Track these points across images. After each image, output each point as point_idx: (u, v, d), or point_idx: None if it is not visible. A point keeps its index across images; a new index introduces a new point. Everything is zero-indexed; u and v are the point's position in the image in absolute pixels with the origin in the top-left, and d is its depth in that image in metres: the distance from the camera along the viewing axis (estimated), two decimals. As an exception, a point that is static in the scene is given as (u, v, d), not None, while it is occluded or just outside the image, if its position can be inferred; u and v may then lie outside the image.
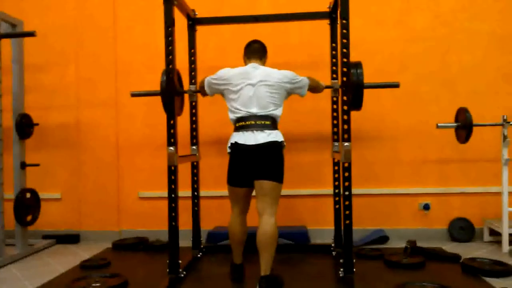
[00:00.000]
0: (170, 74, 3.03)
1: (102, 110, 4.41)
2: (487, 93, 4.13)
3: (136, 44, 4.41)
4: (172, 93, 3.04)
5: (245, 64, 3.13)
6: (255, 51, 3.12)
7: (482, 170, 4.12)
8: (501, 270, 3.07)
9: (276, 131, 2.94)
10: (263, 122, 2.89)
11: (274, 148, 2.88)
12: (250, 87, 2.93)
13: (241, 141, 2.89)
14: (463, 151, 4.07)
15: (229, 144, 3.00)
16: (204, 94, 3.26)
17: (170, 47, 3.02)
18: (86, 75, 4.43)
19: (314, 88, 3.26)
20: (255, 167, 2.86)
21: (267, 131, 2.88)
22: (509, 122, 3.63)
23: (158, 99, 3.12)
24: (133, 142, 4.40)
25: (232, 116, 2.99)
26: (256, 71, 2.99)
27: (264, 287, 2.73)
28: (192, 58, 3.76)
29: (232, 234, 3.08)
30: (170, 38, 3.03)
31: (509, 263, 3.17)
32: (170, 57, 3.02)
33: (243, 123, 2.92)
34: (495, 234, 3.93)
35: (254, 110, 2.91)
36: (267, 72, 2.98)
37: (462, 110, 3.71)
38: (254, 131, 2.88)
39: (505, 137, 3.63)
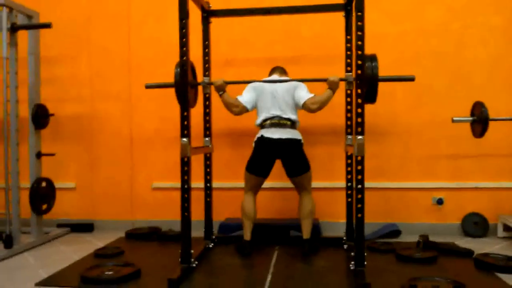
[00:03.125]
0: (184, 66, 3.04)
1: (116, 103, 4.45)
2: (502, 87, 4.07)
3: (150, 37, 4.42)
4: (186, 84, 3.05)
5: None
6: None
7: (497, 165, 4.07)
8: (515, 266, 3.04)
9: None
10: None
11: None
12: None
13: None
14: (477, 146, 4.02)
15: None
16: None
17: (184, 39, 3.03)
18: (99, 68, 4.47)
19: (323, 102, 3.30)
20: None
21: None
22: (526, 117, 3.58)
23: (171, 93, 3.13)
24: (146, 135, 4.44)
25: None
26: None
27: (307, 247, 3.45)
28: (206, 50, 3.76)
29: (246, 211, 3.51)
30: (184, 30, 3.03)
31: (523, 260, 3.14)
32: (184, 49, 3.03)
33: None
34: (510, 230, 3.89)
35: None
36: None
37: (478, 104, 3.66)
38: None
39: (521, 132, 3.57)
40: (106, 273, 2.95)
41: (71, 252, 3.67)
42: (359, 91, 2.94)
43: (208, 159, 3.80)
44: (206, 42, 3.76)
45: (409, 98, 4.15)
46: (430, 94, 4.14)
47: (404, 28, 4.17)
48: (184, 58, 3.04)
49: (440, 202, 4.13)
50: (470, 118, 3.74)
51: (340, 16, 3.74)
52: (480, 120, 3.62)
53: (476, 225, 4.05)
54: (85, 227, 4.43)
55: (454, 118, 3.74)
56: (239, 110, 3.45)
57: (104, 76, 4.46)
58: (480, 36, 4.11)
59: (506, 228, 3.95)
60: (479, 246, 3.65)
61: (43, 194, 4.01)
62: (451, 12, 4.13)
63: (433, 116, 4.12)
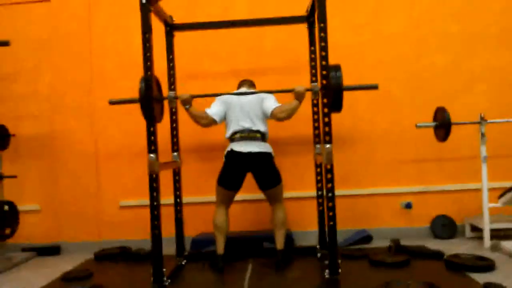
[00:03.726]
0: (149, 81, 3.00)
1: (78, 118, 4.35)
2: (461, 92, 4.21)
3: (112, 51, 4.36)
4: (151, 99, 3.00)
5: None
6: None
7: (461, 167, 4.19)
8: (484, 265, 3.11)
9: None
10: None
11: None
12: None
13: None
14: (441, 150, 4.13)
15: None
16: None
17: (148, 54, 2.99)
18: (60, 84, 4.37)
19: (291, 110, 3.30)
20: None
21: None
22: (486, 120, 3.70)
23: (136, 107, 3.08)
24: (111, 150, 4.35)
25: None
26: None
27: (281, 258, 3.42)
28: (171, 64, 3.73)
29: (218, 225, 3.47)
30: (147, 45, 3.00)
31: (491, 258, 3.22)
32: (148, 63, 2.99)
33: None
34: (477, 230, 4.00)
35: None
36: None
37: (440, 110, 3.77)
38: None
39: (483, 135, 3.69)
40: (75, 297, 2.85)
41: (37, 276, 3.52)
42: (325, 100, 2.97)
43: (177, 174, 3.74)
44: (171, 56, 3.73)
45: (373, 106, 4.23)
46: (392, 101, 4.24)
47: (365, 38, 4.27)
48: (149, 72, 2.99)
49: (408, 206, 4.21)
50: (433, 123, 3.84)
51: (304, 27, 3.78)
52: (443, 125, 3.73)
53: (444, 227, 4.13)
54: (51, 250, 4.28)
55: (418, 124, 3.83)
56: (207, 122, 3.42)
57: (65, 92, 4.36)
58: (439, 44, 4.25)
59: (473, 228, 4.06)
60: (449, 247, 3.72)
61: (5, 218, 3.86)
62: (411, 21, 4.27)
63: (396, 122, 4.22)
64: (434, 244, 3.84)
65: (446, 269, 3.18)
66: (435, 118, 3.85)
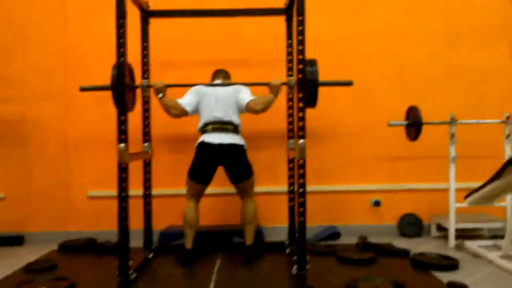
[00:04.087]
0: (121, 68, 2.91)
1: (51, 104, 4.21)
2: (437, 91, 4.27)
3: (89, 36, 4.22)
4: (123, 87, 2.92)
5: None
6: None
7: (431, 167, 4.25)
8: (448, 264, 3.18)
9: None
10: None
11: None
12: None
13: None
14: (412, 149, 4.17)
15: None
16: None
17: (121, 40, 2.90)
18: (34, 66, 4.21)
19: (266, 103, 3.28)
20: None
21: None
22: (456, 121, 3.76)
23: (108, 93, 2.99)
24: (83, 138, 4.23)
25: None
26: None
27: (250, 253, 3.42)
28: (145, 52, 3.64)
29: (188, 219, 3.41)
30: (121, 31, 2.91)
31: (455, 258, 3.28)
32: (122, 50, 2.91)
33: None
34: (443, 230, 4.07)
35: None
36: None
37: (412, 109, 3.81)
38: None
39: (452, 135, 3.75)
40: (37, 289, 2.75)
41: (-2, 267, 3.41)
42: (300, 95, 2.96)
43: (147, 165, 3.67)
44: (145, 44, 3.64)
45: (348, 101, 4.24)
46: (368, 97, 4.26)
47: (344, 32, 4.27)
48: (121, 59, 2.91)
49: (377, 204, 4.25)
50: (405, 122, 3.89)
51: (282, 20, 3.75)
52: (414, 124, 3.78)
53: (411, 225, 4.20)
54: (14, 240, 4.14)
55: (390, 122, 3.86)
56: (178, 112, 3.36)
57: (38, 75, 4.21)
58: (417, 41, 4.29)
59: (439, 227, 4.13)
60: (415, 246, 3.78)
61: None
62: (390, 16, 4.29)
63: (372, 119, 4.24)
64: (400, 242, 3.89)
65: (412, 267, 3.23)
66: (407, 117, 3.90)
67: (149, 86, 3.37)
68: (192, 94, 3.42)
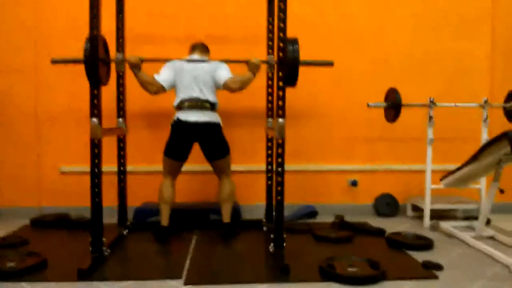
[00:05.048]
0: (95, 41, 2.80)
1: (20, 77, 4.05)
2: (416, 73, 4.27)
3: (60, 8, 4.05)
4: (96, 61, 2.81)
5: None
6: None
7: (408, 148, 4.28)
8: (423, 244, 3.22)
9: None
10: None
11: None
12: None
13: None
14: (391, 130, 4.18)
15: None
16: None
17: (94, 10, 2.79)
18: (2, 38, 4.04)
19: (244, 82, 3.21)
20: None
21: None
22: (435, 104, 3.77)
23: (81, 68, 2.88)
24: (54, 113, 4.09)
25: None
26: None
27: (227, 231, 3.43)
28: (120, 24, 3.51)
29: (163, 196, 3.38)
30: (95, 1, 2.78)
31: (430, 237, 3.33)
32: (95, 21, 2.79)
33: None
34: (418, 210, 4.13)
35: None
36: None
37: (392, 91, 3.80)
38: None
39: (430, 118, 3.77)
40: (8, 264, 2.69)
41: (-34, 243, 3.31)
42: (280, 74, 2.90)
43: (121, 141, 3.59)
44: (120, 15, 3.51)
45: (329, 82, 4.20)
46: (349, 78, 4.23)
47: (325, 12, 4.21)
48: (95, 31, 2.80)
49: (354, 183, 4.28)
50: (384, 104, 3.88)
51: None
52: (393, 106, 3.77)
53: (387, 205, 4.24)
54: (-17, 215, 4.03)
55: (369, 103, 3.86)
56: (156, 89, 3.27)
57: (5, 47, 4.04)
58: (399, 25, 4.27)
59: (415, 208, 4.19)
60: (390, 225, 3.82)
61: None
62: (372, -1, 4.24)
63: (352, 99, 4.22)
64: (376, 222, 3.93)
65: (387, 246, 3.27)
66: (386, 99, 3.89)
67: (123, 60, 3.25)
68: (169, 69, 3.33)
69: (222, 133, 3.40)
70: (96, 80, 2.83)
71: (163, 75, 3.30)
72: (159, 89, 3.28)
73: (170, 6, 4.09)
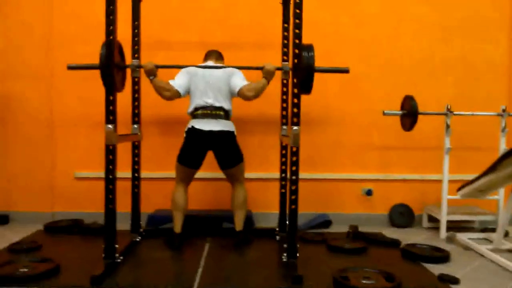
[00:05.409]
0: (111, 46, 2.81)
1: (34, 83, 4.09)
2: (431, 82, 4.21)
3: (74, 14, 4.09)
4: (112, 67, 2.81)
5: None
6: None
7: (423, 158, 4.21)
8: (439, 256, 3.15)
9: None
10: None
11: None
12: None
13: None
14: (406, 139, 4.13)
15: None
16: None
17: (111, 17, 2.80)
18: (15, 43, 4.08)
19: (259, 89, 3.20)
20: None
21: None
22: (452, 112, 3.71)
23: (97, 74, 2.89)
24: (69, 118, 4.12)
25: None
26: None
27: (240, 239, 3.40)
28: (136, 31, 3.52)
29: (176, 203, 3.38)
30: (111, 7, 2.80)
31: (446, 249, 3.26)
32: (111, 27, 2.80)
33: None
34: (434, 221, 4.05)
35: None
36: None
37: (408, 98, 3.76)
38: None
39: (448, 127, 3.70)
40: (21, 270, 2.68)
41: (-19, 247, 3.33)
42: (295, 80, 2.88)
43: (136, 148, 3.58)
44: (136, 23, 3.51)
45: (342, 89, 4.17)
46: (365, 86, 4.19)
47: (340, 18, 4.18)
48: (111, 37, 2.80)
49: (369, 193, 4.22)
50: (400, 112, 3.83)
51: (279, 2, 3.65)
52: (409, 114, 3.72)
53: (402, 215, 4.17)
54: (-2, 219, 4.06)
55: (385, 111, 3.81)
56: (170, 94, 3.25)
57: (20, 53, 4.08)
58: (413, 30, 4.22)
59: (431, 218, 4.11)
60: (405, 236, 3.76)
61: None
62: (386, 4, 4.20)
63: (366, 107, 4.18)
64: (391, 232, 3.87)
65: (402, 258, 3.20)
66: (402, 107, 3.84)
67: (139, 67, 3.27)
68: (184, 75, 3.32)
69: (236, 141, 3.38)
70: (111, 86, 2.83)
71: (178, 81, 3.29)
72: (174, 95, 3.27)
73: (184, 13, 4.11)
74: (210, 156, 3.37)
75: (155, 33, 3.98)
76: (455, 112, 3.72)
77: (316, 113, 4.15)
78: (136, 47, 3.51)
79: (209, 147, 3.32)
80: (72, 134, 4.13)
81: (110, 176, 2.85)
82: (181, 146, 3.36)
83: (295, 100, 2.85)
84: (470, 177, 3.45)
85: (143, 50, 3.57)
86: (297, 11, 2.80)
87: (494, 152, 3.72)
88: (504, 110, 3.78)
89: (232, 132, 3.34)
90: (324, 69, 2.99)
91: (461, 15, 4.22)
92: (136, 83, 3.52)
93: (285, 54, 3.59)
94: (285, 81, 3.60)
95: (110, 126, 2.82)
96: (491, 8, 4.22)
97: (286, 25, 3.60)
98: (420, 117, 3.69)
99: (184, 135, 3.34)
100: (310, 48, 2.83)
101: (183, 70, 3.34)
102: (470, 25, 4.22)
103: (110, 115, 2.83)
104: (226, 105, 3.31)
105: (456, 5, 4.22)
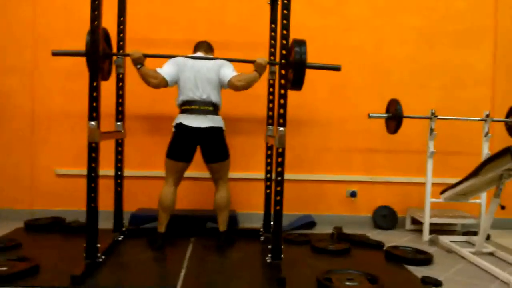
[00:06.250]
0: (96, 32, 2.73)
1: (16, 77, 4.02)
2: (416, 86, 4.24)
3: (58, 9, 4.02)
4: (97, 53, 2.74)
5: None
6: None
7: (408, 161, 4.25)
8: (422, 258, 3.17)
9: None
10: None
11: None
12: None
13: None
14: (390, 142, 4.16)
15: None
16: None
17: (96, 2, 2.72)
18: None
19: (249, 81, 3.15)
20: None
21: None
22: (436, 116, 3.74)
23: (80, 68, 2.83)
24: (50, 114, 4.05)
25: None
26: None
27: (223, 240, 3.36)
28: (121, 27, 3.46)
29: (164, 203, 3.30)
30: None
31: (429, 252, 3.28)
32: (96, 12, 2.72)
33: None
34: (417, 223, 4.08)
35: None
36: None
37: (394, 102, 3.78)
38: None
39: (432, 130, 3.73)
40: (-2, 268, 2.62)
41: (-44, 245, 3.23)
42: (282, 81, 2.86)
43: (119, 145, 3.53)
44: (122, 18, 3.44)
45: (329, 92, 4.18)
46: (349, 88, 4.21)
47: (327, 22, 4.19)
48: (96, 23, 2.73)
49: (353, 194, 4.23)
50: (385, 115, 3.85)
51: (266, 2, 3.64)
52: (394, 117, 3.74)
53: (385, 218, 4.19)
54: (-24, 216, 3.96)
55: (370, 114, 3.82)
56: (157, 82, 3.14)
57: (2, 45, 4.00)
58: (399, 35, 4.24)
59: (414, 221, 4.14)
60: (389, 238, 3.78)
61: None
62: (373, 9, 4.23)
63: (353, 110, 4.19)
64: (375, 234, 3.89)
65: (386, 260, 3.22)
66: (387, 110, 3.86)
67: (126, 55, 3.16)
68: (172, 65, 3.24)
69: (224, 137, 3.35)
70: (96, 73, 2.76)
71: (166, 69, 3.21)
72: (161, 82, 3.16)
73: (171, 11, 4.06)
74: (196, 155, 3.32)
75: (142, 30, 3.92)
76: (439, 116, 3.75)
77: (302, 115, 4.16)
78: (121, 43, 3.45)
79: (197, 142, 3.27)
80: (54, 130, 4.06)
81: (93, 174, 2.80)
82: (170, 141, 3.30)
83: (282, 101, 2.83)
84: (453, 180, 3.49)
85: (129, 47, 3.51)
86: (285, 12, 2.79)
87: (477, 157, 3.77)
88: (487, 116, 3.82)
89: (221, 128, 3.30)
90: (315, 66, 3.00)
91: (446, 22, 4.26)
92: (120, 80, 3.46)
93: (272, 54, 3.58)
94: (271, 82, 3.58)
95: (93, 123, 2.76)
96: (475, 16, 4.28)
97: (273, 25, 3.59)
98: (404, 121, 3.72)
99: (173, 129, 3.28)
100: (302, 43, 2.83)
101: (171, 60, 3.26)
102: (455, 32, 4.27)
103: (94, 112, 2.77)
104: (214, 98, 3.25)
105: (441, 13, 4.26)
